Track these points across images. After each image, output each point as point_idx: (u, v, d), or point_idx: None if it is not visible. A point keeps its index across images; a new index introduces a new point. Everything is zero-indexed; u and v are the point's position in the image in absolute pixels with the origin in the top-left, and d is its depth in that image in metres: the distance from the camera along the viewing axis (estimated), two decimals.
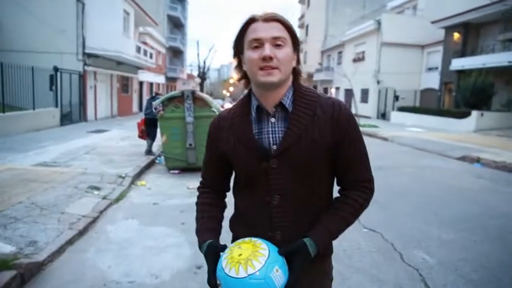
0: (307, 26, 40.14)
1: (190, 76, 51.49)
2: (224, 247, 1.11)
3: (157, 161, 7.93)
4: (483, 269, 3.15)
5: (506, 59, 16.66)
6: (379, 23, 24.86)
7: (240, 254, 1.00)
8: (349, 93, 28.82)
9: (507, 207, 5.10)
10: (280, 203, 1.14)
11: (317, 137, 1.11)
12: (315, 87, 38.40)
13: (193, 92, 6.78)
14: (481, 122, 16.06)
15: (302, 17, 43.43)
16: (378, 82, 24.67)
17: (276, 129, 1.14)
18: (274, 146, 1.12)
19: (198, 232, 1.23)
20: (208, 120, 6.69)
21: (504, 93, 17.31)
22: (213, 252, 1.12)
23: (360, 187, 1.17)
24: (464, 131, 15.71)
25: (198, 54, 39.89)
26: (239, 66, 1.18)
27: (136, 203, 4.99)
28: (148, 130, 8.20)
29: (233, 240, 1.27)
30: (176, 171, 6.91)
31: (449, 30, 21.35)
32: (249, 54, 1.09)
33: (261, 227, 1.17)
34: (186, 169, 6.89)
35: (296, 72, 1.17)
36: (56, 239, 3.54)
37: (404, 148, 11.14)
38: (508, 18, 16.87)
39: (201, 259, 3.28)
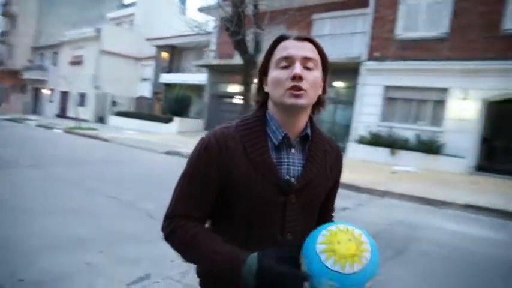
0: (15, 16, 35.81)
1: None
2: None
3: None
4: None
5: (198, 79, 21.83)
6: (98, 31, 26.03)
7: (348, 249, 0.90)
8: (65, 95, 28.42)
9: None
10: (292, 242, 1.02)
11: (328, 173, 1.10)
12: (25, 86, 34.90)
13: None
14: (182, 125, 20.21)
15: (8, 3, 38.16)
16: (97, 87, 25.76)
17: (296, 161, 1.05)
18: (292, 179, 1.02)
19: (225, 257, 0.93)
20: None
21: (197, 104, 22.41)
22: (271, 258, 0.89)
23: (332, 215, 1.25)
24: (169, 132, 19.38)
25: None
26: (260, 88, 1.08)
27: None
28: None
29: None
30: None
31: (160, 48, 25.28)
32: (276, 74, 0.98)
33: None
34: None
35: (319, 102, 1.07)
36: None
37: (123, 147, 13.10)
38: (198, 49, 22.13)
39: None
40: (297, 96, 0.96)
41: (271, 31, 12.63)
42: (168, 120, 20.36)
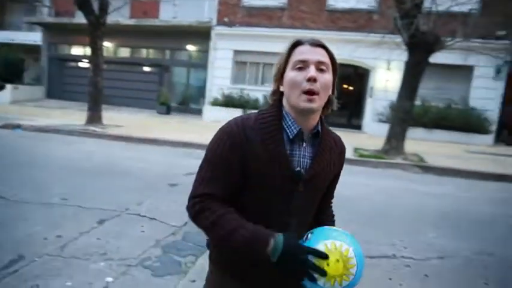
0: None
1: None
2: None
3: None
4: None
5: (33, 38, 19.05)
6: None
7: (336, 270, 1.02)
8: None
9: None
10: (296, 225, 1.18)
11: (332, 167, 1.24)
12: None
13: None
14: (17, 94, 17.58)
15: None
16: None
17: (306, 153, 1.17)
18: (302, 169, 1.15)
19: (250, 235, 1.06)
20: None
21: (34, 69, 19.69)
22: (295, 239, 1.08)
23: (331, 201, 1.41)
24: (1, 103, 16.71)
25: None
26: (277, 88, 1.19)
27: None
28: None
29: (220, 264, 1.25)
30: None
31: None
32: (293, 75, 1.10)
33: None
34: None
35: (328, 101, 1.17)
36: None
37: None
38: (29, 3, 19.12)
39: None
40: (311, 101, 1.09)
41: None
42: None
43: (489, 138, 12.94)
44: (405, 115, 9.04)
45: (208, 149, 1.16)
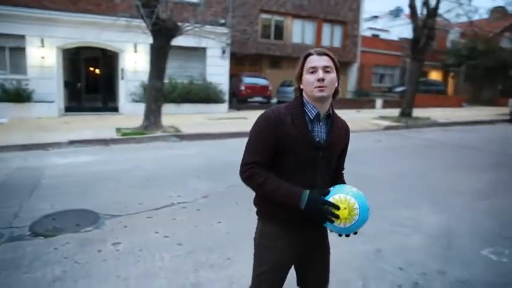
0: None
1: None
2: (323, 192, 1.53)
3: None
4: None
5: None
6: None
7: (343, 214, 1.48)
8: None
9: None
10: (321, 181, 1.63)
11: (341, 140, 1.72)
12: None
13: None
14: None
15: None
16: None
17: (322, 129, 1.63)
18: (321, 140, 1.62)
19: (287, 191, 1.53)
20: None
21: None
22: (319, 195, 1.51)
23: (342, 172, 1.87)
24: None
25: None
26: (298, 86, 1.64)
27: None
28: None
29: (264, 216, 1.71)
30: None
31: None
32: (308, 77, 1.57)
33: None
34: None
35: (335, 91, 1.63)
36: None
37: None
38: None
39: None
40: (322, 91, 1.56)
41: None
42: None
43: (224, 107, 15.95)
44: (157, 93, 10.11)
45: (252, 130, 1.63)
